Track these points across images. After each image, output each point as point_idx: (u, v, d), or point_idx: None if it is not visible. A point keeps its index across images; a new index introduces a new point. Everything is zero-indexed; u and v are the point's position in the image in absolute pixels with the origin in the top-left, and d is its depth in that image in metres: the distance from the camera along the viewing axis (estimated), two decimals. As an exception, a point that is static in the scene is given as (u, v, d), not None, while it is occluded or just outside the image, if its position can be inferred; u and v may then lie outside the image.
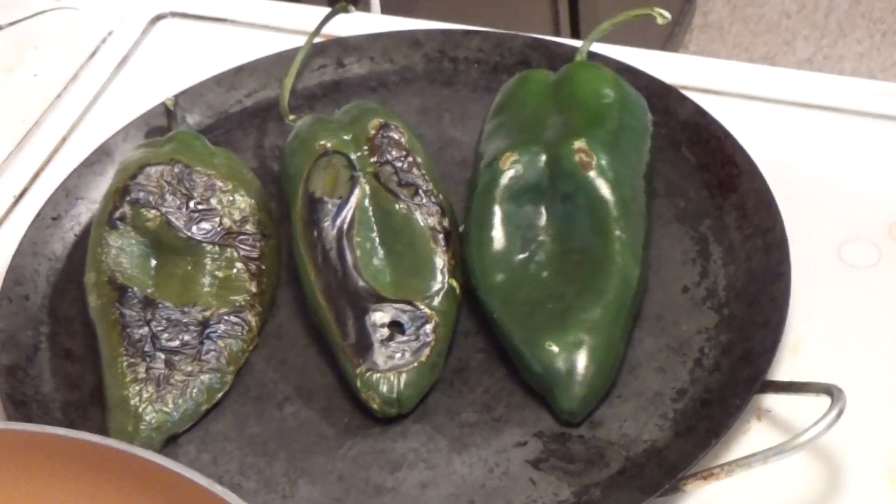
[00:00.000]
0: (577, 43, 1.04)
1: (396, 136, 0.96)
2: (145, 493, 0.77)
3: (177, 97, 1.06)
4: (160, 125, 1.05)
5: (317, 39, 1.08)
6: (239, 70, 1.09)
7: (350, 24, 1.11)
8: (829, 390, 0.80)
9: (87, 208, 1.00)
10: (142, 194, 0.95)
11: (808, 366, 0.87)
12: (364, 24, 1.13)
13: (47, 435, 0.78)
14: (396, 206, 0.94)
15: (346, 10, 1.10)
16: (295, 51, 1.08)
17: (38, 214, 1.00)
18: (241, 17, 1.20)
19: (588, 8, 2.03)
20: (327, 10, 1.09)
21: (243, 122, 1.08)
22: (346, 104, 1.01)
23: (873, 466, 0.84)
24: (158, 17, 1.20)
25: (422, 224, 0.93)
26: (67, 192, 1.02)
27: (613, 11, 1.22)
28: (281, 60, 1.08)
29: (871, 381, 0.87)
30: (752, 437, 0.85)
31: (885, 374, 0.88)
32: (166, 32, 1.19)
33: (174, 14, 1.21)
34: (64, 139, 1.10)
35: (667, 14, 1.00)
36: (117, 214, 0.95)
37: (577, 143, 0.91)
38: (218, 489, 0.73)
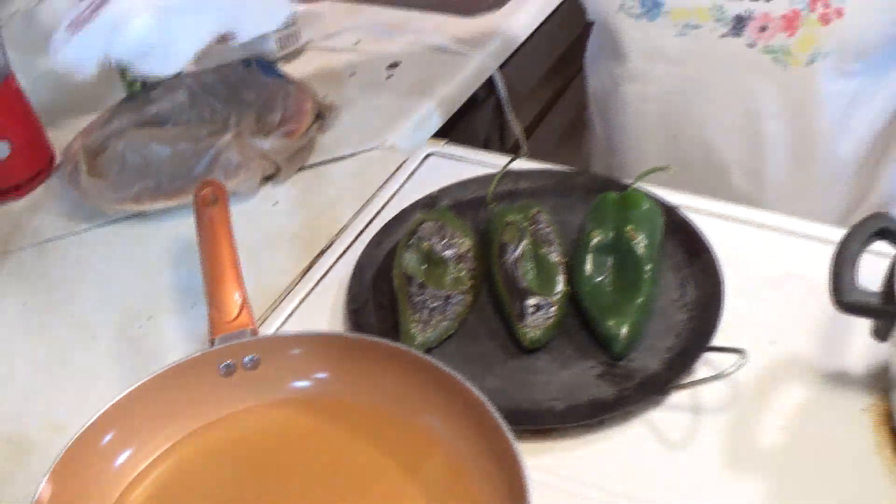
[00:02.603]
0: (629, 181, 1.00)
1: (543, 217, 0.98)
2: (414, 373, 0.81)
3: (436, 192, 1.06)
4: (429, 204, 1.04)
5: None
6: (467, 182, 1.06)
7: (517, 164, 1.06)
8: (740, 350, 0.81)
9: (388, 242, 1.00)
10: (422, 234, 0.97)
11: (731, 340, 0.85)
12: (523, 164, 1.08)
13: (374, 342, 0.84)
14: (541, 250, 0.94)
15: (520, 157, 1.09)
16: (494, 174, 1.05)
17: (368, 243, 1.01)
18: (470, 161, 1.14)
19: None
20: (509, 156, 1.07)
21: (467, 206, 1.04)
22: (519, 202, 1.00)
23: (762, 397, 0.83)
24: (429, 155, 1.16)
25: (553, 259, 0.94)
26: (382, 234, 1.02)
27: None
28: (487, 178, 1.05)
29: (765, 350, 0.86)
30: (703, 372, 0.84)
31: (773, 347, 0.87)
32: (433, 163, 1.15)
33: (438, 154, 1.16)
34: (377, 214, 1.07)
35: (672, 168, 0.98)
36: (410, 242, 0.96)
37: (629, 227, 0.93)
38: (452, 370, 0.79)
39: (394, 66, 1.33)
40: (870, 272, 0.79)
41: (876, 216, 0.81)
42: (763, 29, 1.09)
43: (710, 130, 1.19)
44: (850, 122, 1.14)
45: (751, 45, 1.10)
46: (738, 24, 1.10)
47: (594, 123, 1.35)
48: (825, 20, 1.06)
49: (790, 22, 1.07)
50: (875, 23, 1.06)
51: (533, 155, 1.27)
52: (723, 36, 1.11)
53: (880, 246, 0.80)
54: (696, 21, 1.11)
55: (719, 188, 1.22)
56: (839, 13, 1.05)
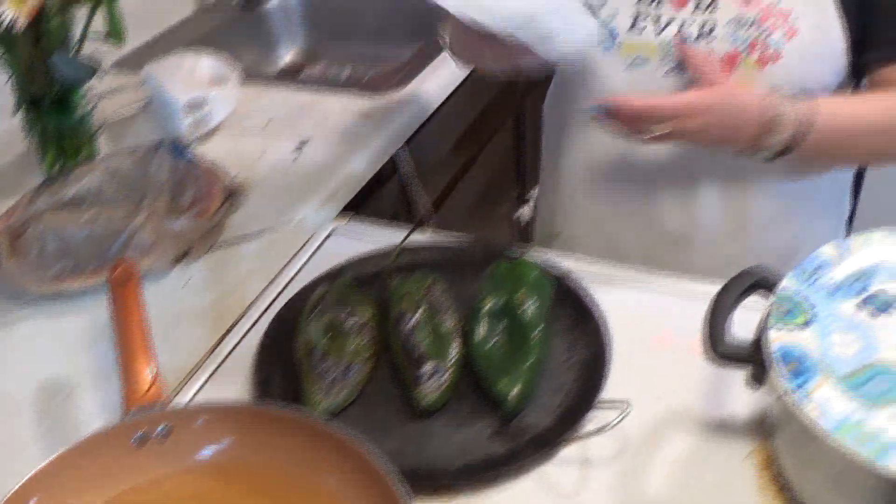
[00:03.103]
0: (521, 251, 1.05)
1: (438, 287, 1.01)
2: (315, 438, 0.83)
3: (342, 265, 1.08)
4: (332, 278, 1.05)
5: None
6: (370, 255, 1.09)
7: (420, 237, 1.11)
8: (624, 403, 0.85)
9: (293, 316, 1.01)
10: (324, 306, 0.99)
11: (616, 394, 0.87)
12: (425, 237, 1.13)
13: (276, 410, 0.87)
14: (436, 318, 0.97)
15: (421, 231, 1.12)
16: (394, 247, 1.08)
17: (274, 317, 1.02)
18: (373, 236, 1.16)
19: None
20: (416, 229, 1.11)
21: (369, 279, 1.06)
22: (417, 274, 1.03)
23: (649, 448, 0.85)
24: (335, 230, 1.19)
25: (447, 326, 0.97)
26: (287, 308, 1.03)
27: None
28: (388, 252, 1.08)
29: (651, 405, 0.89)
30: (591, 426, 0.87)
31: (658, 402, 0.89)
32: (338, 239, 1.19)
33: (343, 230, 1.20)
34: (284, 288, 1.10)
35: (562, 233, 1.04)
36: (313, 314, 0.98)
37: (519, 293, 0.96)
38: (351, 434, 0.82)
39: (302, 145, 1.38)
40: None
41: (749, 270, 0.85)
42: None
43: (650, 167, 1.20)
44: (781, 167, 1.12)
45: (693, 83, 1.11)
46: (683, 62, 1.11)
47: (546, 167, 1.35)
48: (762, 63, 1.08)
49: (729, 63, 1.09)
50: (809, 71, 1.08)
51: (445, 223, 1.32)
52: (667, 73, 1.13)
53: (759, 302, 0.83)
54: (644, 55, 1.13)
55: (653, 228, 1.23)
56: (776, 57, 1.07)
